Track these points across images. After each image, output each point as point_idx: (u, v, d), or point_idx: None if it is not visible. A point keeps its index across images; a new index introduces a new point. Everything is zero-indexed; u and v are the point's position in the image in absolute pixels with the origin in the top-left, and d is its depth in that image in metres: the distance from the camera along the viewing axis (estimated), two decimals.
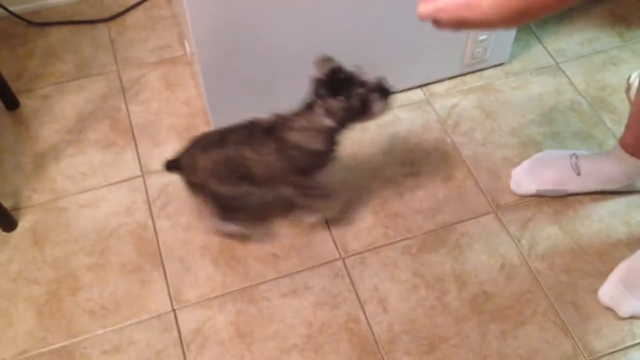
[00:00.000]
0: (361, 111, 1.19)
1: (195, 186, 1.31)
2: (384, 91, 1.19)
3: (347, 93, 1.16)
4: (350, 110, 1.18)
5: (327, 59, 1.18)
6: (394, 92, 1.20)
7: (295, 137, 1.22)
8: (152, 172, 1.50)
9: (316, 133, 1.21)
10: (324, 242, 1.39)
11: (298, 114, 1.22)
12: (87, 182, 1.49)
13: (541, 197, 1.45)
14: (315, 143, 1.22)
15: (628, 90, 1.62)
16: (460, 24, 0.88)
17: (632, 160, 1.35)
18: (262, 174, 1.26)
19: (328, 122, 1.19)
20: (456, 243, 1.39)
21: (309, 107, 1.21)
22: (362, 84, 1.17)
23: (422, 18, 0.92)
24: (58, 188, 1.47)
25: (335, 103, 1.17)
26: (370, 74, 1.19)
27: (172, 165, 1.32)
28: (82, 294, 1.31)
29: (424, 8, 0.91)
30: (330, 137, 1.23)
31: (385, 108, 1.20)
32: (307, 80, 1.21)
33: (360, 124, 1.24)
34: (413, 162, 1.52)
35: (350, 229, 1.41)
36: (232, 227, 1.37)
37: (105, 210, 1.44)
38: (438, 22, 0.91)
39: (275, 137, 1.23)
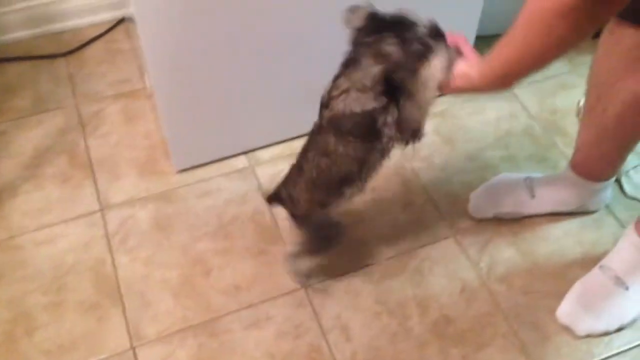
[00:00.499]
0: (421, 57, 0.97)
1: (300, 218, 1.22)
2: (439, 35, 0.99)
3: (400, 34, 0.95)
4: (409, 53, 0.95)
5: (357, 8, 0.99)
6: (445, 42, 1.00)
7: (339, 105, 1.02)
8: (112, 205, 1.49)
9: (363, 89, 0.99)
10: (286, 271, 1.39)
11: (337, 78, 1.03)
12: (44, 218, 1.47)
13: (499, 220, 1.47)
14: (365, 102, 1.00)
15: (578, 113, 1.66)
16: (458, 91, 1.02)
17: (583, 182, 1.38)
18: (348, 168, 1.10)
19: (377, 68, 0.95)
20: (417, 268, 1.40)
21: (350, 63, 1.01)
22: (415, 25, 0.97)
23: None
24: (14, 225, 1.45)
25: (386, 43, 0.95)
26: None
27: (274, 199, 1.23)
28: (39, 333, 1.28)
29: None
30: (385, 89, 0.99)
31: (447, 60, 0.99)
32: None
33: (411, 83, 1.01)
34: (373, 189, 1.53)
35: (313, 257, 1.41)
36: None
37: (63, 246, 1.42)
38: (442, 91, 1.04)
39: (326, 125, 1.07)
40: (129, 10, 1.28)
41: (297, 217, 1.22)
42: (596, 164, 1.36)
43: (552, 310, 1.31)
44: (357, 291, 1.36)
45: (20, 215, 1.47)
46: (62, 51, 1.84)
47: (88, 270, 1.38)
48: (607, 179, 1.39)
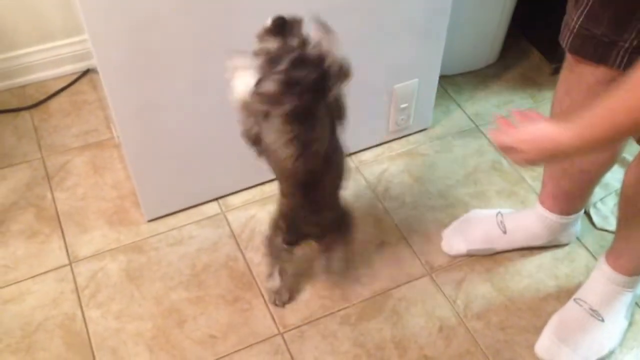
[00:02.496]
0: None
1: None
2: (277, 30, 0.98)
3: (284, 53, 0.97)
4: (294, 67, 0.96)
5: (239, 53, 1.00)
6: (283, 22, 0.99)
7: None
8: (81, 259, 1.46)
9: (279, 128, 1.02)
10: (261, 318, 1.37)
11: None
12: (11, 275, 1.42)
13: (472, 257, 1.48)
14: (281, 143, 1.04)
15: None
16: (542, 153, 0.91)
17: (552, 216, 1.40)
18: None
19: (289, 104, 0.97)
20: (394, 308, 1.39)
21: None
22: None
23: (500, 147, 0.97)
24: None
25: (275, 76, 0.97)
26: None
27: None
28: None
29: (504, 138, 0.95)
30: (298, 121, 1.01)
31: (330, 37, 0.99)
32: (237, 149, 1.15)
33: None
34: None
35: (288, 303, 1.39)
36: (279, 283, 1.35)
37: (31, 303, 1.37)
38: (518, 152, 0.94)
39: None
40: (93, 62, 1.28)
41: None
42: (564, 198, 1.38)
43: (531, 345, 1.31)
44: (335, 335, 1.34)
45: None
46: (26, 104, 1.82)
47: (58, 327, 1.34)
48: (575, 212, 1.41)
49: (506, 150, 0.97)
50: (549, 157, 0.93)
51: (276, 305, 1.37)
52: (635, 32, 1.02)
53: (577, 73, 1.16)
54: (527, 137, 0.93)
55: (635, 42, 1.03)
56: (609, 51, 1.07)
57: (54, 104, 1.84)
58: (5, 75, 1.85)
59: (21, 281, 1.42)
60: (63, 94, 1.86)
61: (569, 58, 1.17)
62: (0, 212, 1.55)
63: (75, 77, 1.90)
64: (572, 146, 0.87)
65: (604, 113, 0.84)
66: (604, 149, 0.89)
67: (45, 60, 1.87)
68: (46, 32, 1.82)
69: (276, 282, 1.35)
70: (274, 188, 1.58)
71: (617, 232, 1.27)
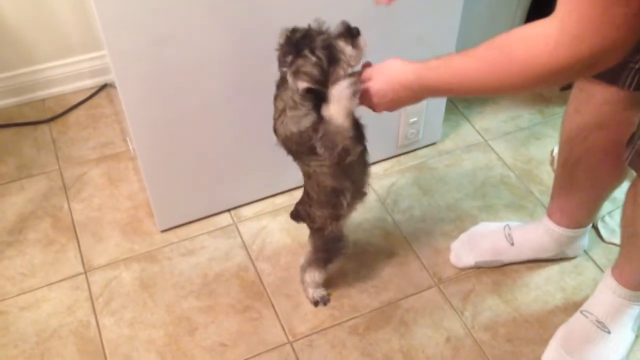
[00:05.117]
0: (331, 61, 1.04)
1: (316, 231, 1.32)
2: (349, 34, 1.04)
3: (310, 46, 1.03)
4: (319, 63, 1.03)
5: (287, 29, 1.07)
6: (359, 33, 1.05)
7: (281, 129, 1.10)
8: (95, 268, 1.49)
9: (295, 109, 1.07)
10: (271, 327, 1.39)
11: (275, 99, 1.11)
12: (27, 282, 1.46)
13: (480, 269, 1.49)
14: (299, 121, 1.07)
15: (552, 162, 1.71)
16: (389, 79, 1.03)
17: (560, 230, 1.41)
18: (331, 182, 1.18)
19: (301, 84, 1.04)
20: (402, 319, 1.40)
21: (281, 83, 1.09)
22: (323, 33, 1.05)
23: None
24: None
25: (301, 60, 1.03)
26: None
27: (296, 216, 1.35)
28: None
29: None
30: (314, 105, 1.07)
31: (357, 51, 1.05)
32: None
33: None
34: (355, 242, 1.55)
35: (297, 312, 1.41)
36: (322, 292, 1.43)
37: (46, 310, 1.41)
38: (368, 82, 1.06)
39: (288, 152, 1.15)
40: (111, 77, 1.32)
41: (314, 230, 1.32)
42: (572, 212, 1.39)
43: (537, 357, 1.32)
44: (343, 344, 1.36)
45: (3, 281, 1.46)
46: (46, 117, 1.87)
47: (72, 334, 1.37)
48: (583, 226, 1.42)
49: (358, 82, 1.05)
50: (395, 83, 1.02)
51: (324, 305, 1.43)
52: None
53: (586, 92, 1.18)
54: (377, 67, 1.05)
55: None
56: (620, 72, 1.09)
57: (72, 117, 1.88)
58: (26, 89, 1.90)
59: (37, 289, 1.45)
60: (81, 107, 1.91)
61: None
62: (19, 221, 1.59)
63: (93, 91, 1.95)
64: (413, 78, 0.98)
65: (446, 66, 0.93)
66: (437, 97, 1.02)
67: (65, 74, 1.92)
68: (65, 48, 1.88)
69: (322, 289, 1.43)
70: (284, 200, 1.62)
71: (621, 248, 1.28)
